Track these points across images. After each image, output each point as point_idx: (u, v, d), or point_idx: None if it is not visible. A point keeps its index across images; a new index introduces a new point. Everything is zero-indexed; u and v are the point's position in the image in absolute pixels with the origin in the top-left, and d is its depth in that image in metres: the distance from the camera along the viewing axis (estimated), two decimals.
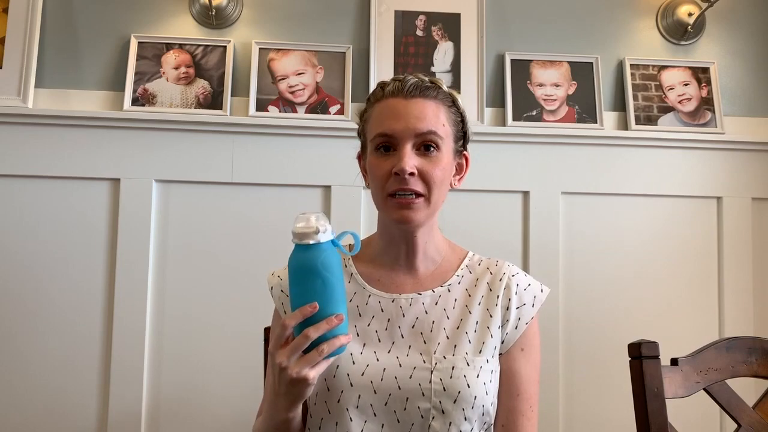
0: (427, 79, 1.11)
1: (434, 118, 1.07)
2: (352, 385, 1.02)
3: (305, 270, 0.94)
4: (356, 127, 1.17)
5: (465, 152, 1.15)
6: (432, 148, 1.07)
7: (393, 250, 1.13)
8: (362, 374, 1.03)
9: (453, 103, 1.12)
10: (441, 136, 1.07)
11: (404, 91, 1.08)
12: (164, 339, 1.88)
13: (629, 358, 1.22)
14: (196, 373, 1.88)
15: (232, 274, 1.91)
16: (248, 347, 1.77)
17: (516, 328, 1.11)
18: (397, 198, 1.05)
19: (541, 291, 1.15)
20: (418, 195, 1.05)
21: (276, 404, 0.98)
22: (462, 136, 1.14)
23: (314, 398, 1.05)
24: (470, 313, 1.10)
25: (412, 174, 1.04)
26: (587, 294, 1.99)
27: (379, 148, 1.08)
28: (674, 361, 1.23)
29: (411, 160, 1.04)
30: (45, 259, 1.88)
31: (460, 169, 1.15)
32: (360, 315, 1.10)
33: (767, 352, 1.29)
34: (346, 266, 1.15)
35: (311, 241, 0.94)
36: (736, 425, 1.25)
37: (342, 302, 0.96)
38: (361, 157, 1.17)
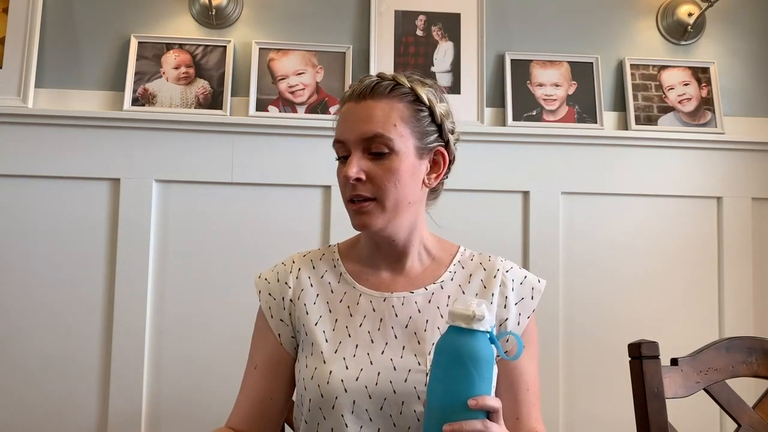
0: (390, 75, 1.07)
1: (383, 119, 1.03)
2: (346, 391, 1.01)
3: (450, 353, 0.87)
4: None
5: (440, 148, 1.09)
6: (386, 151, 1.03)
7: (377, 252, 1.12)
8: (356, 379, 1.01)
9: (416, 98, 1.06)
10: (391, 137, 1.03)
11: (355, 95, 1.06)
12: (164, 339, 1.88)
13: (629, 358, 1.22)
14: (197, 372, 1.88)
15: (232, 274, 1.91)
16: (248, 347, 1.77)
17: (518, 324, 1.10)
18: (353, 204, 1.05)
19: (539, 282, 1.14)
20: (369, 200, 1.04)
21: None
22: (435, 131, 1.08)
23: (308, 404, 1.04)
24: None
25: (359, 179, 1.03)
26: (587, 294, 1.99)
27: (339, 157, 1.08)
28: (674, 361, 1.23)
29: (355, 167, 1.03)
30: (45, 259, 1.88)
31: (436, 167, 1.10)
32: (351, 315, 1.08)
33: (767, 352, 1.29)
34: (335, 266, 1.14)
35: (463, 325, 0.86)
36: (736, 425, 1.25)
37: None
38: None
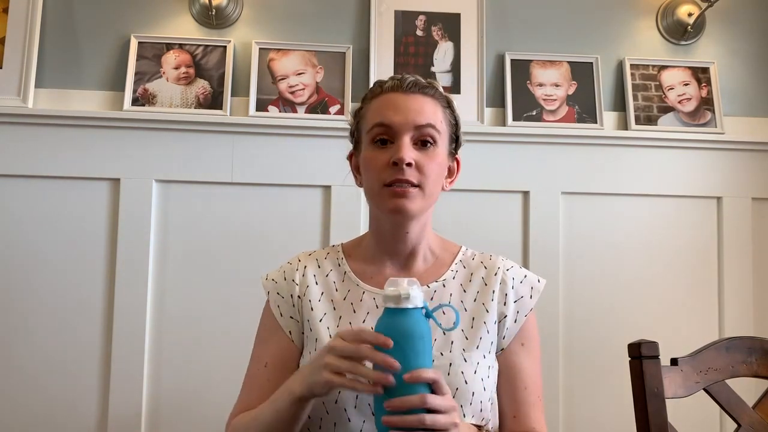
0: (423, 80, 1.12)
1: (432, 113, 1.09)
2: None
3: (389, 336, 0.88)
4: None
5: (457, 156, 1.16)
6: (429, 143, 1.08)
7: (385, 248, 1.13)
8: None
9: (448, 105, 1.14)
10: (438, 131, 1.09)
11: (403, 87, 1.10)
12: (164, 339, 1.88)
13: (629, 358, 1.22)
14: (197, 373, 1.88)
15: (232, 274, 1.91)
16: (248, 347, 1.77)
17: (515, 321, 1.11)
18: (393, 187, 1.06)
19: (538, 281, 1.16)
20: (414, 185, 1.06)
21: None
22: (455, 139, 1.15)
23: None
24: (465, 309, 1.10)
25: (409, 164, 1.05)
26: (587, 294, 1.99)
27: (376, 141, 1.08)
28: (674, 361, 1.23)
29: (409, 152, 1.05)
30: (45, 260, 1.88)
31: (450, 173, 1.16)
32: (354, 311, 1.10)
33: (767, 352, 1.29)
34: (339, 265, 1.16)
35: (395, 306, 0.89)
36: (736, 425, 1.25)
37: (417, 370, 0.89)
38: (353, 156, 1.17)
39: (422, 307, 0.90)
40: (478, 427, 1.00)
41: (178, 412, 1.88)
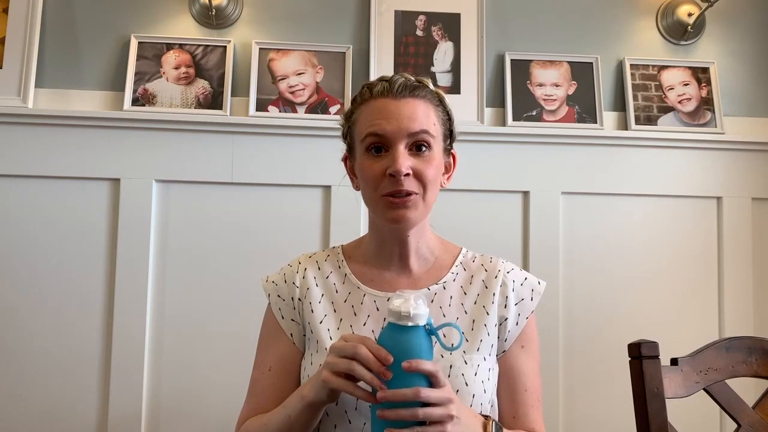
0: (413, 78, 1.10)
1: (425, 117, 1.07)
2: None
3: (389, 350, 0.89)
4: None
5: (453, 151, 1.15)
6: (424, 148, 1.06)
7: (385, 251, 1.13)
8: None
9: (440, 102, 1.11)
10: (433, 134, 1.07)
11: (393, 91, 1.07)
12: (164, 339, 1.88)
13: (629, 358, 1.22)
14: (197, 373, 1.88)
15: (232, 274, 1.91)
16: (248, 347, 1.77)
17: (517, 324, 1.11)
18: (392, 198, 1.05)
19: (539, 283, 1.16)
20: (413, 194, 1.05)
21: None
22: (449, 135, 1.14)
23: None
24: (466, 312, 1.10)
25: (407, 175, 1.04)
26: (587, 294, 1.99)
27: (371, 149, 1.07)
28: (674, 361, 1.23)
29: (406, 161, 1.04)
30: (45, 259, 1.88)
31: (448, 168, 1.15)
32: (355, 314, 1.09)
33: (767, 352, 1.29)
34: (339, 267, 1.15)
35: (397, 322, 0.88)
36: (736, 425, 1.25)
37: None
38: (347, 159, 1.16)
39: (425, 325, 0.89)
40: (485, 417, 0.99)
41: (177, 412, 1.88)
